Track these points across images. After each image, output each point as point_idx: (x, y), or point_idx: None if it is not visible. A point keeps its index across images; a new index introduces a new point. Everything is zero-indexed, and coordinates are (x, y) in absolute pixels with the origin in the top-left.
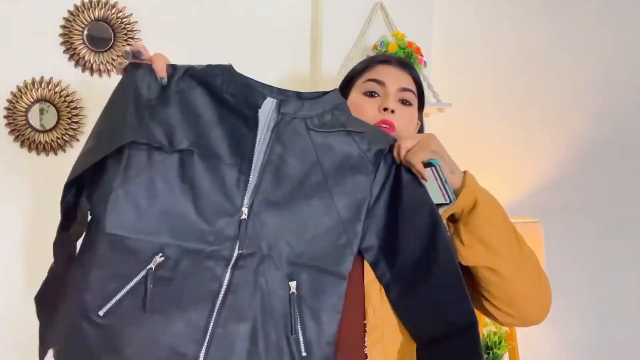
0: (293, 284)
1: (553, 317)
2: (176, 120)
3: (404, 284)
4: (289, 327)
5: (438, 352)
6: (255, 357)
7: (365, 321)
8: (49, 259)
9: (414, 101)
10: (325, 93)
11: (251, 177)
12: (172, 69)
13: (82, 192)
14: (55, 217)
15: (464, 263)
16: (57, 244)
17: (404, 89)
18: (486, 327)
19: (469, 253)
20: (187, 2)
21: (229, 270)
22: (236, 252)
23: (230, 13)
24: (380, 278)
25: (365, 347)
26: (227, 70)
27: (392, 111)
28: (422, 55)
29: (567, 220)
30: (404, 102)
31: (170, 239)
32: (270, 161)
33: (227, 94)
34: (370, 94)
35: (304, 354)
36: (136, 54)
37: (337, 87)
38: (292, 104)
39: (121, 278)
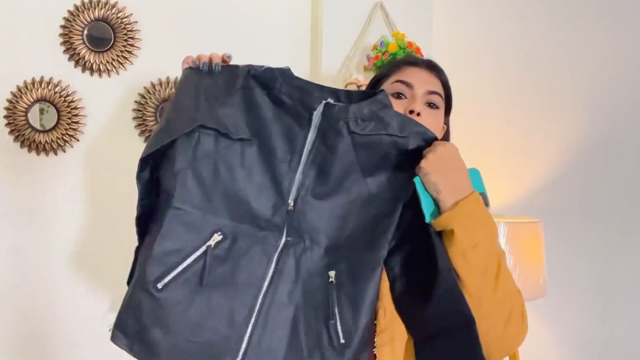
0: (332, 273)
1: (553, 317)
2: (240, 112)
3: (406, 281)
4: (329, 314)
5: (435, 349)
6: (296, 343)
7: (375, 321)
8: (51, 259)
9: (441, 105)
10: (373, 94)
11: (298, 173)
12: (235, 67)
13: (158, 168)
14: (55, 217)
15: None
16: (137, 219)
17: (431, 92)
18: None
19: None
20: (187, 2)
21: (275, 256)
22: (284, 239)
23: (230, 13)
24: (388, 272)
25: (375, 347)
26: (285, 73)
27: (418, 114)
28: (422, 56)
29: (567, 220)
30: (431, 105)
31: (228, 219)
32: (315, 160)
33: (285, 95)
34: (398, 96)
35: (342, 340)
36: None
37: (337, 87)
38: (337, 106)
39: (181, 253)
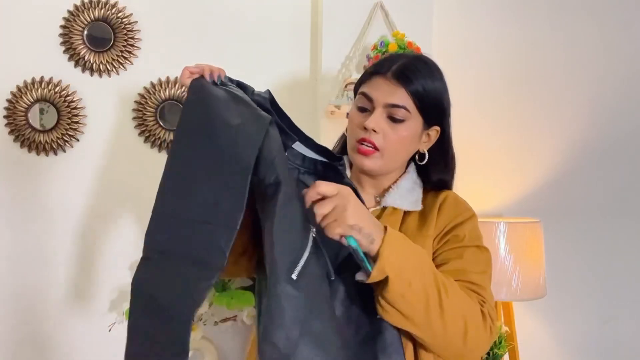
0: None
1: (553, 317)
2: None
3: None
4: None
5: None
6: None
7: None
8: (51, 259)
9: (408, 117)
10: (336, 158)
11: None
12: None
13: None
14: (55, 217)
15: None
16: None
17: (392, 106)
18: None
19: (387, 317)
20: (187, 2)
21: None
22: None
23: (229, 13)
24: None
25: None
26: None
27: (374, 130)
28: None
29: (567, 220)
30: (393, 119)
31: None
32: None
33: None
34: (361, 110)
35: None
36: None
37: (337, 87)
38: (295, 151)
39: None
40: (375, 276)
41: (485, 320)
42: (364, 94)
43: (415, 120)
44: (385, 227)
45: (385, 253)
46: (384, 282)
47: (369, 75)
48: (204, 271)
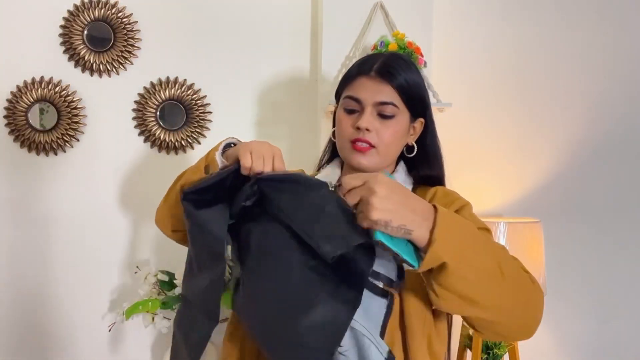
0: None
1: (553, 317)
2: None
3: None
4: None
5: None
6: None
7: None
8: (51, 259)
9: (397, 112)
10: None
11: None
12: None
13: None
14: (55, 217)
15: (440, 309)
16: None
17: (381, 103)
18: None
19: (444, 304)
20: (187, 2)
21: None
22: None
23: (230, 13)
24: None
25: None
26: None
27: (367, 129)
28: (422, 55)
29: (567, 220)
30: (384, 116)
31: None
32: None
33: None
34: (350, 112)
35: None
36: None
37: (337, 86)
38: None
39: None
40: (428, 264)
41: (532, 277)
42: (351, 97)
43: (403, 114)
44: (435, 208)
45: (441, 238)
46: (439, 268)
47: (352, 77)
48: (207, 320)
